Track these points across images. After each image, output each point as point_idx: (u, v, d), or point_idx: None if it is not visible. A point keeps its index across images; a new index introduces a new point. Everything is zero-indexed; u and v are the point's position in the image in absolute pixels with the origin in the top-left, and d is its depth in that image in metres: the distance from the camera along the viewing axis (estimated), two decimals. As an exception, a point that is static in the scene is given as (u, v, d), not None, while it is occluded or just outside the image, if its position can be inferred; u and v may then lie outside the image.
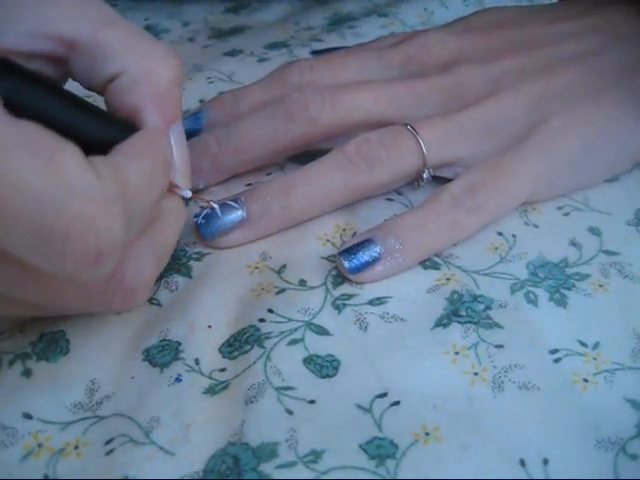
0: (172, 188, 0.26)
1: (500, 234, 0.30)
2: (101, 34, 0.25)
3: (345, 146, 0.31)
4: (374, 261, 0.28)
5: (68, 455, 0.23)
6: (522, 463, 0.23)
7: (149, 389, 0.25)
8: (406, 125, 0.31)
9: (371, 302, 0.28)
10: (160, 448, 0.23)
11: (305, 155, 0.33)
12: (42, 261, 0.20)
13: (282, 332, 0.27)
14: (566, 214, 0.31)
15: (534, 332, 0.27)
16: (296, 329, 0.27)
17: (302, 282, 0.29)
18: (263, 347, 0.26)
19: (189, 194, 0.27)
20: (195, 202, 0.30)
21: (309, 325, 0.27)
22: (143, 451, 0.23)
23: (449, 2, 0.46)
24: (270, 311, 0.27)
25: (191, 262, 0.30)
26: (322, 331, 0.27)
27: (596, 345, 0.26)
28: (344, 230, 0.31)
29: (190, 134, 0.33)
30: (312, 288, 0.28)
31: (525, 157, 0.31)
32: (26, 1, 0.24)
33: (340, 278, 0.29)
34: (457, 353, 0.26)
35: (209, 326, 0.27)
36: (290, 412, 0.24)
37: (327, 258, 0.30)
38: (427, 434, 0.23)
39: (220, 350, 0.26)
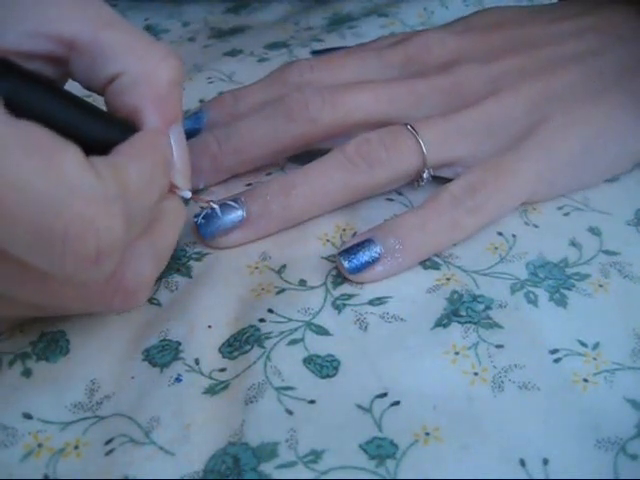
0: (172, 188, 0.26)
1: (500, 234, 0.30)
2: (101, 34, 0.25)
3: (345, 146, 0.31)
4: (374, 261, 0.28)
5: (68, 455, 0.23)
6: (522, 463, 0.23)
7: (149, 389, 0.25)
8: (406, 125, 0.31)
9: (371, 302, 0.28)
10: (160, 448, 0.23)
11: (305, 155, 0.33)
12: (42, 261, 0.20)
13: (282, 332, 0.27)
14: (566, 214, 0.31)
15: (534, 332, 0.27)
16: (296, 329, 0.27)
17: (302, 282, 0.29)
18: (263, 347, 0.26)
19: (189, 195, 0.27)
20: (195, 202, 0.30)
21: (309, 325, 0.27)
22: (143, 451, 0.23)
23: (449, 2, 0.46)
24: (270, 311, 0.27)
25: (191, 262, 0.30)
26: (322, 331, 0.27)
27: (596, 345, 0.26)
28: (344, 230, 0.31)
29: (190, 134, 0.33)
30: (312, 288, 0.28)
31: (525, 157, 0.31)
32: (26, 1, 0.24)
33: (340, 278, 0.29)
34: (457, 353, 0.26)
35: (209, 326, 0.27)
36: (290, 412, 0.24)
37: (327, 258, 0.30)
38: (427, 434, 0.23)
39: (220, 350, 0.26)
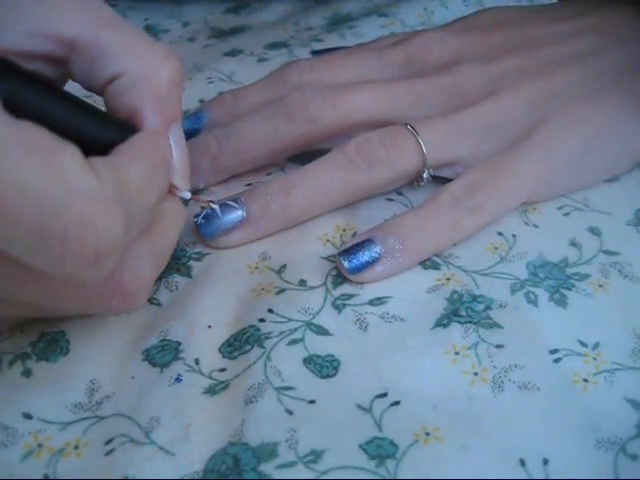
0: (171, 189, 0.26)
1: (500, 234, 0.30)
2: (101, 35, 0.25)
3: (345, 146, 0.31)
4: (374, 261, 0.28)
5: (68, 455, 0.23)
6: (522, 463, 0.23)
7: (149, 389, 0.25)
8: (406, 125, 0.31)
9: (371, 302, 0.28)
10: (160, 448, 0.23)
11: (305, 155, 0.33)
12: (41, 262, 0.20)
13: (282, 332, 0.27)
14: (566, 214, 0.31)
15: (534, 332, 0.27)
16: (296, 329, 0.27)
17: (302, 282, 0.29)
18: (263, 347, 0.26)
19: (188, 195, 0.27)
20: (195, 202, 0.30)
21: (309, 325, 0.27)
22: (143, 451, 0.23)
23: (449, 2, 0.46)
24: (270, 311, 0.27)
25: (191, 262, 0.30)
26: (322, 331, 0.27)
27: (596, 345, 0.26)
28: (344, 230, 0.31)
29: (190, 134, 0.33)
30: (312, 288, 0.28)
31: (525, 157, 0.31)
32: (26, 1, 0.24)
33: (340, 278, 0.29)
34: (457, 353, 0.26)
35: (209, 326, 0.27)
36: (290, 412, 0.24)
37: (327, 258, 0.30)
38: (427, 434, 0.23)
39: (220, 350, 0.26)
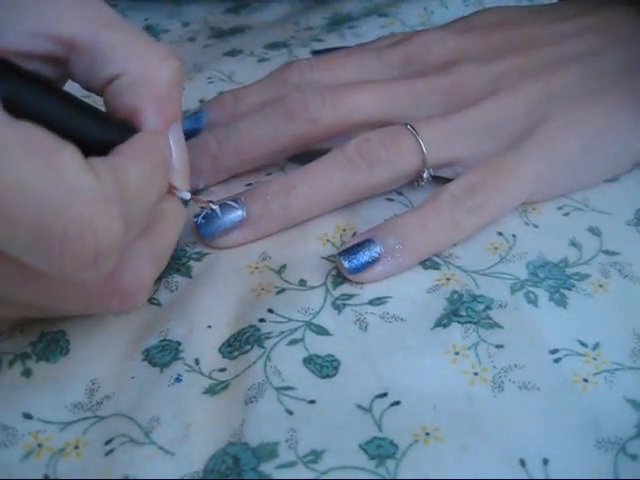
0: (171, 189, 0.26)
1: (500, 234, 0.30)
2: (101, 35, 0.25)
3: (345, 146, 0.31)
4: (374, 261, 0.28)
5: (68, 455, 0.23)
6: (522, 463, 0.23)
7: (149, 389, 0.25)
8: (406, 125, 0.31)
9: (371, 302, 0.28)
10: (160, 448, 0.23)
11: (305, 155, 0.33)
12: (41, 262, 0.20)
13: (282, 332, 0.27)
14: (566, 214, 0.31)
15: (534, 332, 0.27)
16: (296, 329, 0.27)
17: (302, 282, 0.29)
18: (263, 347, 0.26)
19: (188, 196, 0.27)
20: (195, 203, 0.30)
21: (309, 325, 0.27)
22: (143, 451, 0.23)
23: (449, 2, 0.46)
24: (270, 311, 0.27)
25: (191, 262, 0.30)
26: (322, 331, 0.27)
27: (596, 345, 0.26)
28: (344, 230, 0.31)
29: (190, 134, 0.33)
30: (312, 288, 0.28)
31: (525, 157, 0.31)
32: (26, 1, 0.24)
33: (340, 278, 0.29)
34: (457, 353, 0.26)
35: (209, 326, 0.27)
36: (290, 412, 0.24)
37: (327, 258, 0.30)
38: (427, 434, 0.23)
39: (220, 350, 0.26)
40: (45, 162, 0.19)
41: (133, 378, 0.26)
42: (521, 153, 0.31)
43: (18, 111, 0.20)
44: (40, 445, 0.24)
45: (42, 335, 0.27)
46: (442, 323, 0.27)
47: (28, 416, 0.24)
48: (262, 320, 0.27)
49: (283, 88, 0.34)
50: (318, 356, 0.26)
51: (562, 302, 0.28)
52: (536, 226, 0.31)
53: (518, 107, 0.32)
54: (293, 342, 0.26)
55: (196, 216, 0.30)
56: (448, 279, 0.29)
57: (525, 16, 0.37)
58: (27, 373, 0.26)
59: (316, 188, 0.30)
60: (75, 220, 0.19)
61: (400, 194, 0.32)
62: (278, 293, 0.28)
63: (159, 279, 0.29)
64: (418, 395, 0.24)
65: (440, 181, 0.31)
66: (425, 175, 0.31)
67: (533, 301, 0.28)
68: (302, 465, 0.23)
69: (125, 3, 0.49)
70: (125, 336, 0.27)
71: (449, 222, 0.29)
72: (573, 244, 0.30)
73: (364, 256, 0.28)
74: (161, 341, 0.27)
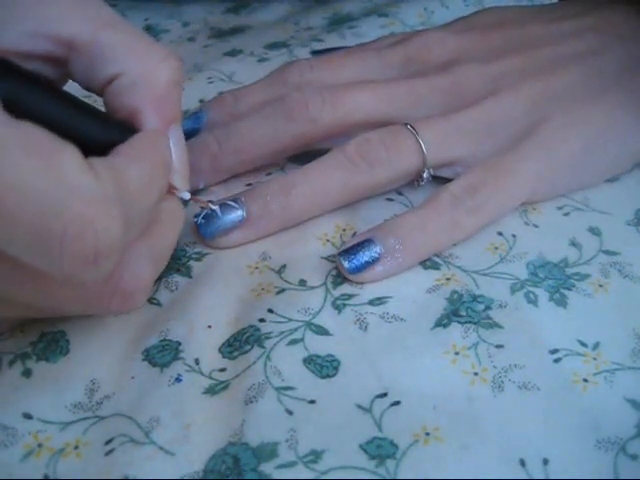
0: (171, 190, 0.26)
1: (500, 234, 0.30)
2: (101, 35, 0.25)
3: (345, 146, 0.31)
4: (374, 261, 0.28)
5: (68, 455, 0.23)
6: (522, 463, 0.23)
7: (149, 389, 0.25)
8: (406, 125, 0.31)
9: (371, 302, 0.28)
10: (160, 448, 0.23)
11: (305, 155, 0.33)
12: (40, 261, 0.20)
13: (282, 332, 0.27)
14: (566, 214, 0.31)
15: (534, 332, 0.27)
16: (296, 329, 0.27)
17: (302, 282, 0.29)
18: (263, 347, 0.26)
19: (188, 196, 0.27)
20: (194, 203, 0.30)
21: (309, 325, 0.27)
22: (143, 451, 0.23)
23: (449, 2, 0.46)
24: (270, 311, 0.27)
25: (191, 262, 0.30)
26: (322, 331, 0.27)
27: (596, 345, 0.26)
28: (344, 230, 0.31)
29: (190, 134, 0.33)
30: (312, 288, 0.28)
31: (525, 157, 0.31)
32: (26, 1, 0.24)
33: (340, 278, 0.29)
34: (457, 353, 0.26)
35: (209, 326, 0.27)
36: (290, 412, 0.24)
37: (327, 258, 0.30)
38: (427, 434, 0.23)
39: (220, 350, 0.26)
40: (45, 162, 0.19)
41: (133, 378, 0.26)
42: (521, 153, 0.31)
43: (18, 111, 0.20)
44: (40, 445, 0.24)
45: (42, 335, 0.27)
46: (442, 323, 0.27)
47: (28, 416, 0.24)
48: (262, 320, 0.27)
49: (283, 88, 0.34)
50: (318, 356, 0.26)
51: (562, 302, 0.28)
52: (536, 226, 0.31)
53: (518, 107, 0.32)
54: (293, 342, 0.26)
55: (196, 216, 0.30)
56: (448, 279, 0.29)
57: (525, 16, 0.37)
58: (27, 373, 0.26)
59: (316, 188, 0.30)
60: (75, 220, 0.19)
61: (400, 194, 0.32)
62: (278, 293, 0.28)
63: (159, 279, 0.29)
64: (418, 395, 0.24)
65: (440, 181, 0.31)
66: (425, 175, 0.31)
67: (533, 301, 0.28)
68: (302, 465, 0.23)
69: (125, 3, 0.49)
70: (125, 336, 0.27)
71: (449, 222, 0.29)
72: (573, 244, 0.30)
73: (364, 256, 0.28)
74: (161, 341, 0.27)
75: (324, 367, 0.26)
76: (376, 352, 0.26)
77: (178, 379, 0.25)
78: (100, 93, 0.26)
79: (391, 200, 0.32)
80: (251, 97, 0.34)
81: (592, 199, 0.32)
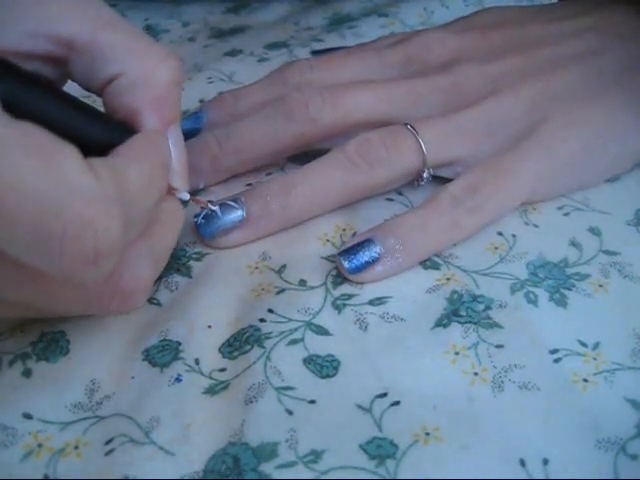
0: (170, 190, 0.26)
1: (500, 234, 0.30)
2: (100, 35, 0.25)
3: (345, 146, 0.31)
4: (374, 261, 0.28)
5: (68, 455, 0.23)
6: (522, 463, 0.23)
7: (149, 389, 0.25)
8: (406, 125, 0.31)
9: (371, 302, 0.28)
10: (160, 448, 0.23)
11: (305, 155, 0.33)
12: (40, 262, 0.20)
13: (282, 332, 0.27)
14: (566, 214, 0.31)
15: (534, 332, 0.27)
16: (296, 329, 0.27)
17: (302, 282, 0.29)
18: (263, 347, 0.26)
19: (187, 196, 0.27)
20: (194, 203, 0.30)
21: (309, 325, 0.27)
22: (143, 451, 0.23)
23: (449, 2, 0.46)
24: (270, 311, 0.27)
25: (191, 262, 0.30)
26: (322, 331, 0.27)
27: (596, 345, 0.26)
28: (344, 230, 0.31)
29: (190, 134, 0.33)
30: (312, 288, 0.28)
31: (525, 157, 0.31)
32: (26, 1, 0.24)
33: (340, 278, 0.29)
34: (457, 353, 0.26)
35: (209, 326, 0.27)
36: (290, 412, 0.24)
37: (327, 258, 0.30)
38: (427, 434, 0.23)
39: (220, 350, 0.26)
40: (45, 162, 0.19)
41: (133, 378, 0.26)
42: (521, 153, 0.31)
43: (18, 111, 0.20)
44: (40, 445, 0.24)
45: (42, 335, 0.27)
46: (442, 323, 0.27)
47: (28, 416, 0.24)
48: (262, 320, 0.27)
49: (283, 88, 0.34)
50: (318, 356, 0.26)
51: (562, 302, 0.28)
52: (536, 226, 0.31)
53: (518, 107, 0.32)
54: (293, 342, 0.26)
55: (196, 216, 0.30)
56: (448, 279, 0.29)
57: (525, 16, 0.37)
58: (27, 373, 0.26)
59: (316, 188, 0.30)
60: (75, 220, 0.19)
61: (400, 194, 0.32)
62: (278, 293, 0.28)
63: (159, 279, 0.29)
64: (418, 395, 0.24)
65: (440, 181, 0.31)
66: (425, 175, 0.31)
67: (533, 301, 0.28)
68: (302, 465, 0.23)
69: (125, 3, 0.49)
70: (125, 336, 0.27)
71: (449, 222, 0.29)
72: (573, 244, 0.30)
73: (364, 256, 0.28)
74: (161, 341, 0.27)
75: (324, 367, 0.26)
76: (376, 352, 0.26)
77: (178, 379, 0.25)
78: (100, 93, 0.26)
79: (391, 200, 0.32)
80: (251, 97, 0.34)
81: (592, 199, 0.32)
